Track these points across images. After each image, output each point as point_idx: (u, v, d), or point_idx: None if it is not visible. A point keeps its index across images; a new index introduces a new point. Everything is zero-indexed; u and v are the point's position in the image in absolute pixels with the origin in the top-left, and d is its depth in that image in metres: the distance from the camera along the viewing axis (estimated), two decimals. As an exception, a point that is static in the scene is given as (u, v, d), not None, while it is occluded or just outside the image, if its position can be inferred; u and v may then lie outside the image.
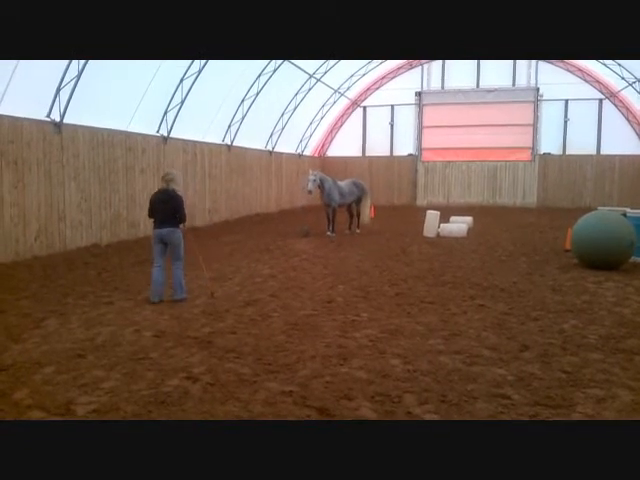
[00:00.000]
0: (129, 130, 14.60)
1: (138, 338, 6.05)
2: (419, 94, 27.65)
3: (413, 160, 28.35)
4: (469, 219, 17.35)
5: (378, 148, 29.21)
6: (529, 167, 26.83)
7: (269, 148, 23.49)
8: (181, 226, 7.69)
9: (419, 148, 28.11)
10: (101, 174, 13.40)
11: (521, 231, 16.35)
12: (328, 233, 14.91)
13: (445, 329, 6.37)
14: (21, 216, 11.11)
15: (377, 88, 28.86)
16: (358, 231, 15.59)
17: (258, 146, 22.55)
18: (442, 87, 27.83)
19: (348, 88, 27.16)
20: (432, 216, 15.38)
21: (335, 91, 26.38)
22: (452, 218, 17.31)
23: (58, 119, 12.05)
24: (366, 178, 28.53)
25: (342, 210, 15.89)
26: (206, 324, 6.59)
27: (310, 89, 23.60)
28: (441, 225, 15.43)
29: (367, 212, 15.94)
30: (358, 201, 15.67)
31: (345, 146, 29.62)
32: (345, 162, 29.07)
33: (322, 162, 29.59)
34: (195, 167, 17.81)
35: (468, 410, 4.20)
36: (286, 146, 25.07)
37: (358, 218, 15.84)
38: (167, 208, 7.47)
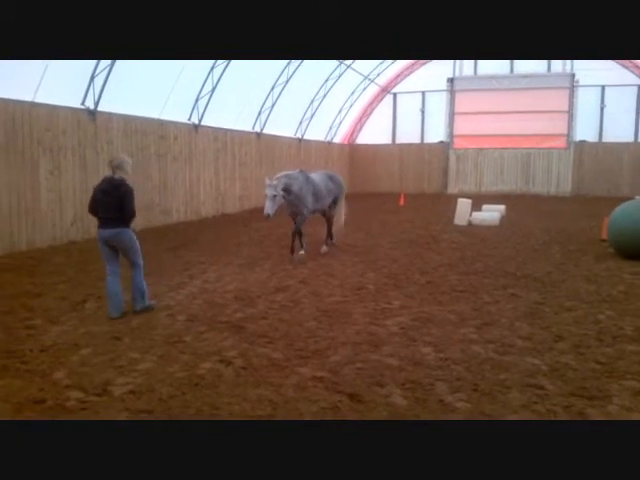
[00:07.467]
0: (161, 118, 14.77)
1: (172, 322, 6.17)
2: (451, 80, 27.15)
3: (444, 147, 27.96)
4: (502, 207, 17.08)
5: (408, 135, 28.90)
6: (564, 155, 26.19)
7: (298, 136, 23.48)
8: (132, 225, 6.30)
9: (450, 135, 27.67)
10: (134, 161, 13.57)
11: (555, 220, 16.01)
12: (301, 252, 9.92)
13: (477, 318, 6.31)
14: (57, 202, 11.38)
15: (408, 74, 28.51)
16: (333, 241, 11.37)
17: (287, 134, 22.55)
18: (475, 73, 27.35)
19: (378, 75, 26.88)
20: (463, 204, 15.20)
21: (365, 77, 26.14)
22: (484, 206, 17.06)
23: (92, 107, 12.26)
24: (396, 166, 28.42)
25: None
26: (238, 309, 6.67)
27: (340, 76, 23.45)
28: (473, 213, 15.24)
29: (342, 216, 11.42)
30: (334, 202, 11.08)
31: (375, 133, 29.38)
32: (375, 150, 28.89)
33: (351, 150, 29.46)
34: (226, 155, 17.95)
35: (500, 400, 4.16)
36: (315, 134, 25.00)
37: (330, 225, 11.27)
38: (110, 201, 6.05)
